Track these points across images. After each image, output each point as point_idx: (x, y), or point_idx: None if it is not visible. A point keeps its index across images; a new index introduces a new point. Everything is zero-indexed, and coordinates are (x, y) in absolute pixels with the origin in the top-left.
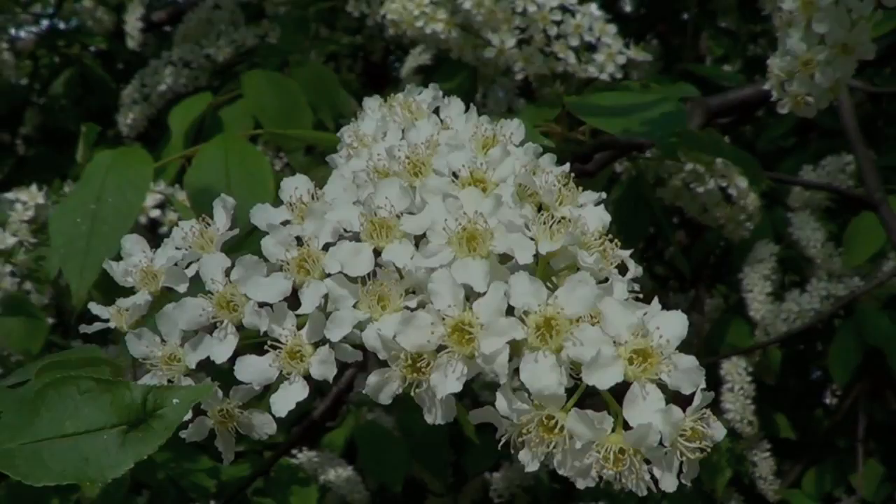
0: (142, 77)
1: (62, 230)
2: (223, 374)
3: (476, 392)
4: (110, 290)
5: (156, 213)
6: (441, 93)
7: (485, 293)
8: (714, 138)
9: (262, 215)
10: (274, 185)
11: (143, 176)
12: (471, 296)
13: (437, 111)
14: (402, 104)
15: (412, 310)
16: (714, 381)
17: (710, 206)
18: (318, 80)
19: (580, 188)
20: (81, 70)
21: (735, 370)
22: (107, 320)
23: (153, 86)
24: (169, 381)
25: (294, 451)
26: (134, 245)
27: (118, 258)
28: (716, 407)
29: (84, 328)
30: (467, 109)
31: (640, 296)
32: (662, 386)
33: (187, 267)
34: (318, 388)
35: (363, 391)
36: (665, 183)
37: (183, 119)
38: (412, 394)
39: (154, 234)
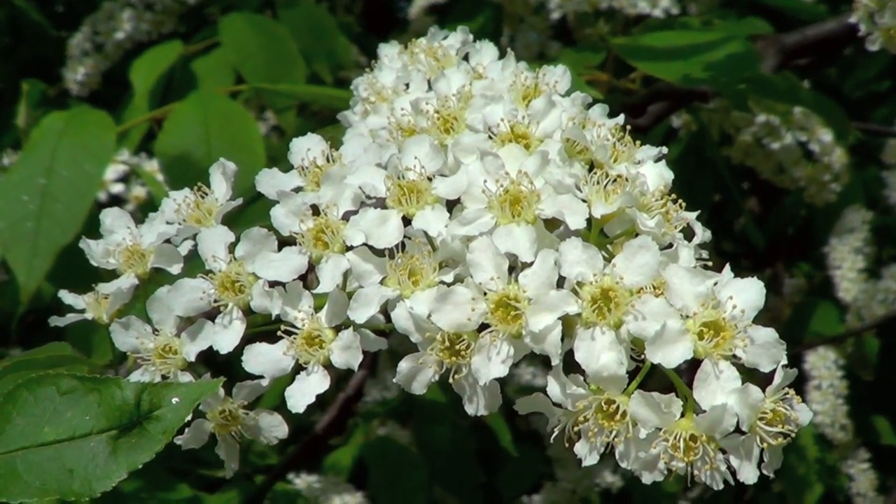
0: (93, 23)
1: (3, 211)
2: (222, 371)
3: (510, 397)
4: (70, 280)
5: (118, 188)
6: (471, 36)
7: (532, 263)
8: (791, 84)
9: (271, 181)
10: (264, 152)
11: (103, 143)
12: (516, 267)
13: (466, 58)
14: (427, 50)
15: (448, 285)
16: (797, 377)
17: (787, 166)
18: (311, 24)
19: (637, 143)
20: (11, 13)
21: (823, 363)
22: (82, 310)
23: (108, 33)
24: (163, 377)
25: (291, 475)
26: (115, 220)
27: (74, 244)
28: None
29: (55, 321)
30: (502, 55)
31: (709, 263)
32: (738, 364)
33: (180, 244)
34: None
35: (395, 380)
36: (733, 139)
37: (147, 74)
38: (451, 381)
39: None
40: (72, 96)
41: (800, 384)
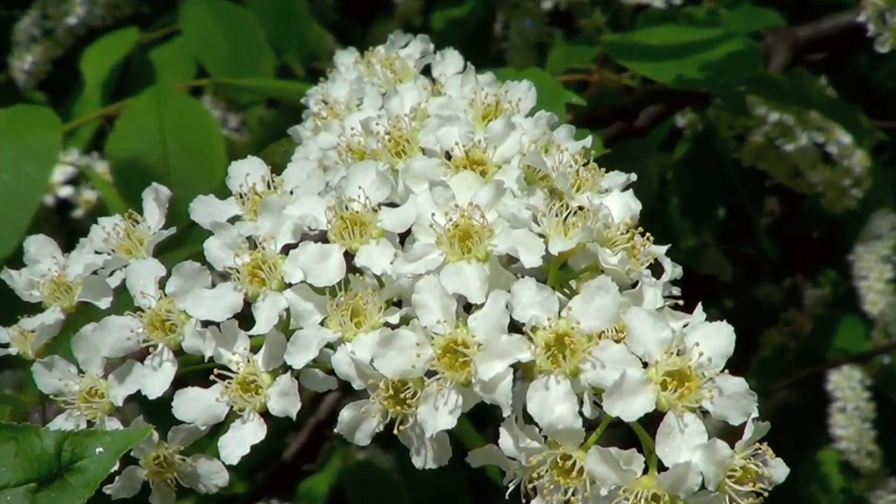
0: (43, 5)
1: None
2: (158, 411)
3: (500, 417)
4: (4, 306)
5: (66, 192)
6: (432, 46)
7: (482, 305)
8: (800, 84)
9: (206, 209)
10: (226, 155)
11: (48, 143)
12: (466, 308)
13: (428, 69)
14: (384, 61)
15: (393, 327)
16: (819, 399)
17: (803, 169)
18: (282, 10)
19: (602, 170)
20: None
21: (847, 384)
22: (6, 345)
23: (59, 17)
24: (89, 422)
25: None
26: (41, 248)
27: (17, 261)
28: (824, 433)
29: None
30: (466, 67)
31: (680, 302)
32: (705, 415)
33: (110, 276)
34: (290, 419)
35: (336, 430)
36: (744, 139)
37: (99, 64)
38: (395, 432)
39: (64, 219)
40: (18, 86)
41: (822, 406)
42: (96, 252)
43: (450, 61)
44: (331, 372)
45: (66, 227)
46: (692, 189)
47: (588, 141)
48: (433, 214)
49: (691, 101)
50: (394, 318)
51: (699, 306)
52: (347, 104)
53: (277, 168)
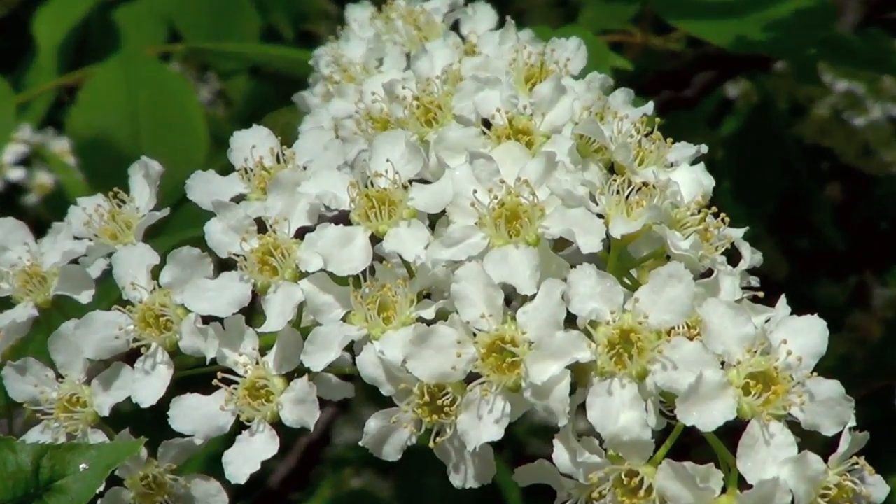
0: None
1: None
2: (148, 422)
3: (520, 439)
4: None
5: (18, 175)
6: None
7: (534, 297)
8: (875, 46)
9: (205, 187)
10: (206, 133)
11: None
12: (514, 300)
13: (456, 26)
14: (405, 16)
15: (429, 322)
16: (891, 417)
17: (874, 146)
18: None
19: (669, 140)
20: None
21: None
22: None
23: None
24: (70, 435)
25: None
26: (10, 233)
27: None
28: (895, 456)
29: None
30: (501, 23)
31: (759, 294)
32: (793, 424)
33: (92, 264)
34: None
35: (361, 443)
36: (806, 112)
37: (55, 26)
38: (431, 445)
39: (13, 206)
40: None
41: (893, 425)
42: (75, 238)
43: (482, 16)
44: (346, 377)
45: (16, 216)
46: (746, 170)
47: (649, 107)
48: (475, 191)
49: (748, 67)
50: (428, 313)
51: (783, 298)
52: (365, 66)
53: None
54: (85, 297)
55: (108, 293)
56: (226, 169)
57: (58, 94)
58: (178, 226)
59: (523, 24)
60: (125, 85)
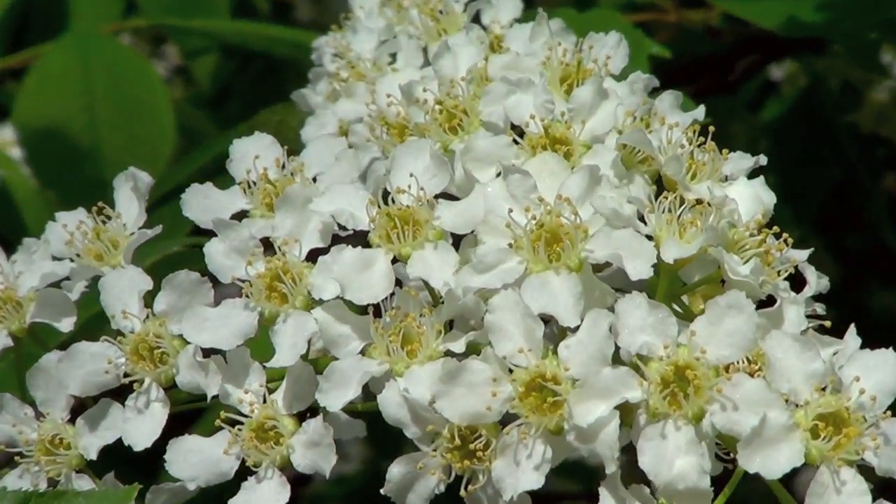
0: None
1: None
2: (140, 465)
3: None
4: None
5: None
6: None
7: (577, 329)
8: None
9: (201, 203)
10: (174, 123)
11: None
12: (554, 332)
13: (476, 17)
14: (420, 3)
15: (459, 357)
16: None
17: None
18: None
19: (725, 151)
20: None
21: None
22: None
23: None
24: (52, 481)
25: None
26: None
27: None
28: None
29: None
30: (538, 14)
31: (826, 324)
32: (866, 469)
33: (73, 288)
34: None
35: (384, 491)
36: (861, 98)
37: None
38: (462, 493)
39: None
40: None
41: None
42: (54, 258)
43: (504, 4)
44: (357, 414)
45: None
46: (794, 162)
47: (700, 112)
48: (510, 210)
49: (798, 49)
50: (458, 346)
51: (852, 329)
52: (376, 61)
53: None
54: (65, 325)
55: (94, 322)
56: (206, 173)
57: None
58: (167, 237)
59: (535, 2)
60: (80, 67)
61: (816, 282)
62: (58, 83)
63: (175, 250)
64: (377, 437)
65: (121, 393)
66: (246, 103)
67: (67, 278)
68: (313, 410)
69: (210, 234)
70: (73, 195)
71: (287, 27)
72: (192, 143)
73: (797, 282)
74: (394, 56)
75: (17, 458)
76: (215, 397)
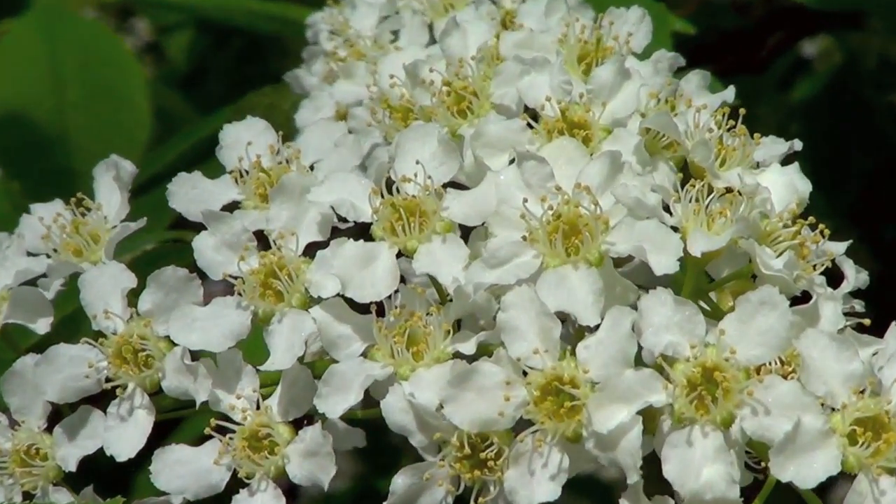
0: None
1: None
2: (122, 473)
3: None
4: None
5: None
6: None
7: (597, 328)
8: None
9: (189, 193)
10: (149, 106)
11: None
12: (571, 332)
13: None
14: None
15: (469, 359)
16: None
17: None
18: None
19: (756, 136)
20: None
21: None
22: None
23: None
24: (27, 494)
25: None
26: None
27: None
28: None
29: None
30: None
31: (865, 322)
32: None
33: (51, 286)
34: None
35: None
36: None
37: None
38: None
39: None
40: None
41: None
42: (29, 253)
43: None
44: (355, 422)
45: None
46: (828, 147)
47: (729, 93)
48: (525, 200)
49: (832, 23)
50: (468, 347)
51: (893, 327)
52: (377, 39)
53: None
54: (41, 326)
55: (74, 323)
56: (187, 161)
57: None
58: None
59: None
60: (46, 46)
61: (855, 277)
62: (21, 64)
63: (154, 246)
64: (368, 451)
65: (102, 399)
66: (225, 84)
67: (44, 275)
68: (310, 418)
69: (195, 227)
70: (39, 186)
71: (272, 1)
72: (165, 127)
73: (834, 277)
74: (396, 33)
75: None
76: (205, 403)
